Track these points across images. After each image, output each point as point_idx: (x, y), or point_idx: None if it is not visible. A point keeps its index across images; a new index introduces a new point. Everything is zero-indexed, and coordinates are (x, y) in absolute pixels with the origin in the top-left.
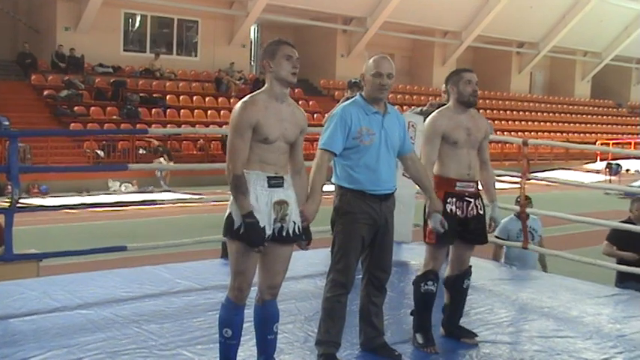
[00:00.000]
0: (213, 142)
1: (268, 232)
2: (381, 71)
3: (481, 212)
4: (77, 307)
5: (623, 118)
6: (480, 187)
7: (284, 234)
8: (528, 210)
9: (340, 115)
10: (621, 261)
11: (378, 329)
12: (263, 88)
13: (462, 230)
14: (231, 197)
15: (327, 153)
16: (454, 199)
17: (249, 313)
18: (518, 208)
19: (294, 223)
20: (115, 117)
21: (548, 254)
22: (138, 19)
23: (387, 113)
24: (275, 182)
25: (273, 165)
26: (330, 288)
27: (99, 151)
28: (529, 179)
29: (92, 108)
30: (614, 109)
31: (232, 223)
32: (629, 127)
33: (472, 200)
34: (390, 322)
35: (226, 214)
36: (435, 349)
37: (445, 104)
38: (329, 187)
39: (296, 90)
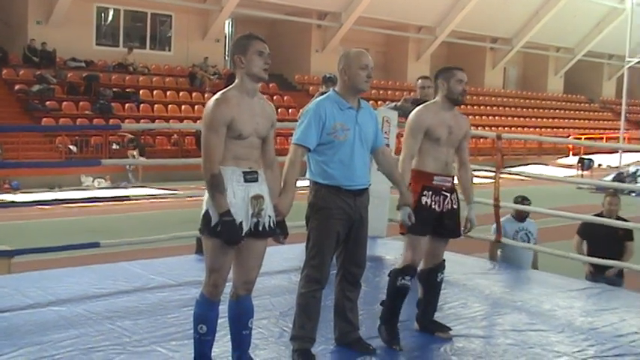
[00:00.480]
0: (187, 137)
1: (245, 227)
2: (368, 64)
3: (455, 207)
4: (50, 303)
5: (596, 113)
6: (455, 181)
7: (260, 228)
8: (528, 208)
9: (315, 110)
10: (592, 254)
11: (353, 324)
12: (234, 84)
13: (437, 224)
14: (207, 194)
15: (301, 148)
16: (430, 193)
17: (223, 308)
18: (492, 202)
19: (270, 217)
20: (87, 112)
21: (521, 247)
22: (111, 13)
23: (360, 108)
24: (250, 177)
25: (247, 160)
26: (305, 284)
27: (71, 146)
28: (503, 174)
29: (64, 103)
30: (587, 105)
31: (209, 220)
32: (601, 122)
33: (448, 195)
34: (365, 316)
35: (203, 210)
36: (400, 346)
37: (419, 99)
38: (303, 183)
39: (270, 85)
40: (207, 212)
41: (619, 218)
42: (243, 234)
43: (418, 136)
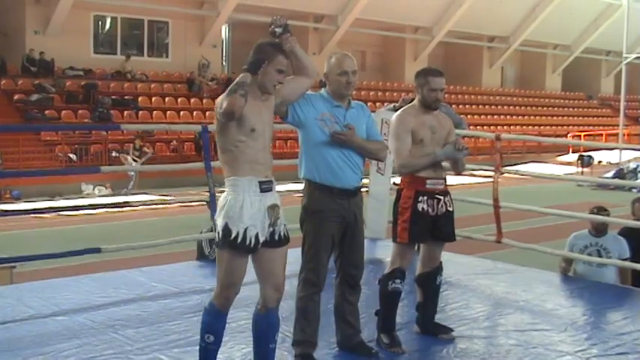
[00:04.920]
0: (186, 142)
1: (262, 238)
2: (347, 69)
3: (450, 209)
4: (52, 313)
5: (594, 109)
6: (447, 183)
7: (276, 237)
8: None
9: (305, 96)
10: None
11: (354, 327)
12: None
13: (433, 228)
14: (222, 207)
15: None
16: (425, 198)
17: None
18: (491, 202)
19: (284, 225)
20: (86, 120)
21: (521, 247)
22: (108, 21)
23: (350, 108)
24: (266, 187)
25: (262, 165)
26: (303, 287)
27: (71, 155)
28: (502, 173)
29: (63, 112)
30: (585, 102)
31: (229, 232)
32: (600, 118)
33: (442, 198)
34: (367, 319)
35: (220, 224)
36: (402, 349)
37: None
38: (296, 186)
39: None
40: (226, 225)
41: None
42: (260, 245)
43: (405, 138)
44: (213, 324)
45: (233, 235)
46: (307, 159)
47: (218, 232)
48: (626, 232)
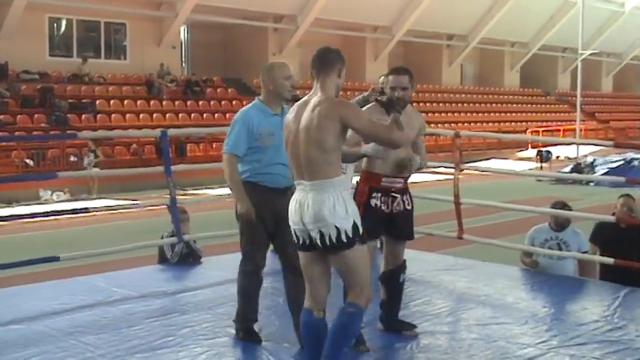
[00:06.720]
0: (146, 146)
1: None
2: (291, 75)
3: (408, 208)
4: (9, 322)
5: (552, 105)
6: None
7: None
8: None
9: (242, 119)
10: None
11: None
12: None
13: (389, 226)
14: (343, 206)
15: (234, 156)
16: (379, 194)
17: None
18: (452, 198)
19: None
20: (43, 124)
21: (482, 243)
22: (63, 23)
23: (284, 114)
24: None
25: None
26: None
27: (28, 160)
28: (462, 170)
29: (19, 116)
30: (543, 98)
31: (358, 230)
32: (557, 114)
33: (398, 196)
34: (329, 319)
35: (349, 224)
36: (366, 346)
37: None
38: None
39: (229, 90)
40: (355, 224)
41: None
42: None
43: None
44: (359, 326)
45: (361, 232)
46: (248, 160)
47: (344, 232)
48: (599, 233)
